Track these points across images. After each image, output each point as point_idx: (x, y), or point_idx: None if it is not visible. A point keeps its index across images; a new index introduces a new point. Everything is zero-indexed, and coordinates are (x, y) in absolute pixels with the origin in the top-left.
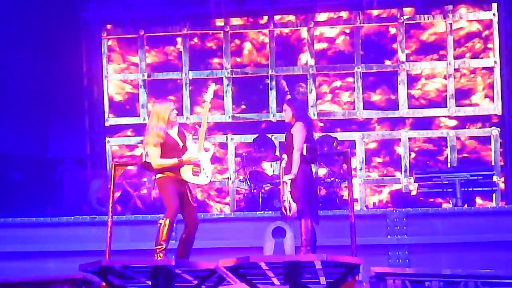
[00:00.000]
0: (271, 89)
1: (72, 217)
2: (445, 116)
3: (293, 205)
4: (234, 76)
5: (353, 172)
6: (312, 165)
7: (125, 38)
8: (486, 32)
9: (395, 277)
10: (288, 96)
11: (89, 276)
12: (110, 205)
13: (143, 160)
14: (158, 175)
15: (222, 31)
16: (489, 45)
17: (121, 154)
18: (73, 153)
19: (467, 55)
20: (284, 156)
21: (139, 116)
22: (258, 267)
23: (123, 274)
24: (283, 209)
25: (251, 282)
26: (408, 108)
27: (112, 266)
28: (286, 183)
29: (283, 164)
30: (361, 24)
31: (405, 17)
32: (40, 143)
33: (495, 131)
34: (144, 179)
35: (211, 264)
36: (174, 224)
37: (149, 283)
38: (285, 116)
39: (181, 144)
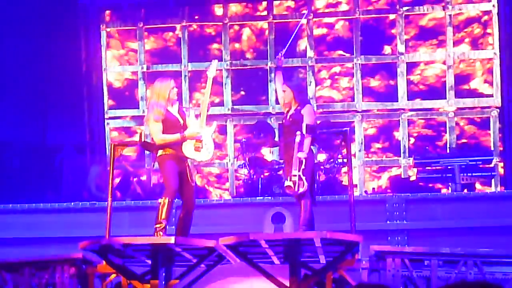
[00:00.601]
0: (270, 81)
1: (72, 203)
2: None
3: (305, 183)
4: (233, 68)
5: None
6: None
7: (124, 29)
8: (486, 17)
9: (394, 256)
10: (280, 75)
11: (88, 256)
12: (110, 185)
13: (143, 140)
14: (159, 153)
15: (221, 23)
16: (489, 30)
17: (120, 140)
18: (72, 139)
19: (466, 40)
20: (298, 132)
21: (139, 108)
22: (258, 245)
23: (123, 253)
24: (288, 182)
25: (251, 260)
26: (408, 100)
27: (112, 244)
28: (301, 160)
29: (298, 140)
30: (360, 16)
31: (404, 8)
32: (39, 129)
33: (494, 112)
34: (145, 166)
35: (210, 241)
36: (174, 206)
37: (149, 262)
38: (285, 96)
39: (181, 121)
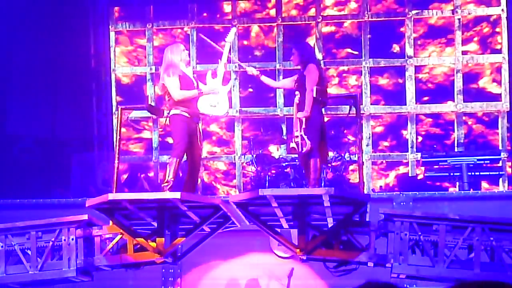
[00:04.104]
0: None
1: (80, 199)
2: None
3: (308, 142)
4: (241, 70)
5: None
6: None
7: (133, 20)
8: (494, 16)
9: (403, 219)
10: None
11: (94, 219)
12: (117, 147)
13: (149, 104)
14: (172, 112)
15: (230, 25)
16: (497, 29)
17: (128, 136)
18: (80, 134)
19: (475, 39)
20: (297, 92)
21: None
22: (267, 205)
23: (130, 214)
24: (293, 144)
25: (260, 219)
26: (416, 102)
27: (119, 200)
28: (301, 120)
29: (296, 100)
30: (369, 19)
31: (413, 12)
32: (48, 124)
33: (505, 105)
34: (151, 162)
35: (216, 199)
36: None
37: (155, 224)
38: (293, 59)
39: (195, 83)
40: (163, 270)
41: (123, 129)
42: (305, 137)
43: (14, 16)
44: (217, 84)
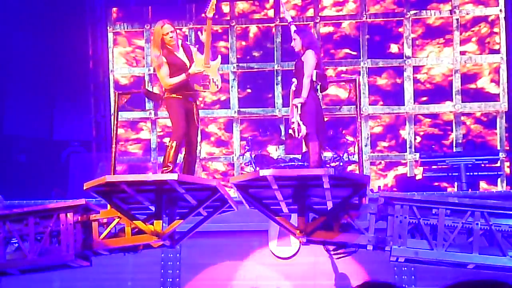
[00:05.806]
0: (277, 84)
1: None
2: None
3: (303, 127)
4: (240, 71)
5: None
6: (322, 93)
7: (131, 21)
8: (492, 16)
9: (403, 203)
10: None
11: (91, 204)
12: (114, 132)
13: (146, 89)
14: (166, 94)
15: (228, 25)
16: (496, 30)
17: (127, 137)
18: (78, 135)
19: (473, 39)
20: (294, 80)
21: (145, 110)
22: (267, 187)
23: (128, 197)
24: (290, 131)
25: (265, 205)
26: (414, 102)
27: (116, 182)
28: (296, 106)
29: (293, 88)
30: (368, 20)
31: (411, 12)
32: (46, 125)
33: (503, 105)
34: (150, 163)
35: (213, 181)
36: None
37: (153, 208)
38: (295, 45)
39: (188, 63)
40: (162, 271)
41: (121, 130)
42: (300, 123)
43: (12, 17)
44: (205, 63)
